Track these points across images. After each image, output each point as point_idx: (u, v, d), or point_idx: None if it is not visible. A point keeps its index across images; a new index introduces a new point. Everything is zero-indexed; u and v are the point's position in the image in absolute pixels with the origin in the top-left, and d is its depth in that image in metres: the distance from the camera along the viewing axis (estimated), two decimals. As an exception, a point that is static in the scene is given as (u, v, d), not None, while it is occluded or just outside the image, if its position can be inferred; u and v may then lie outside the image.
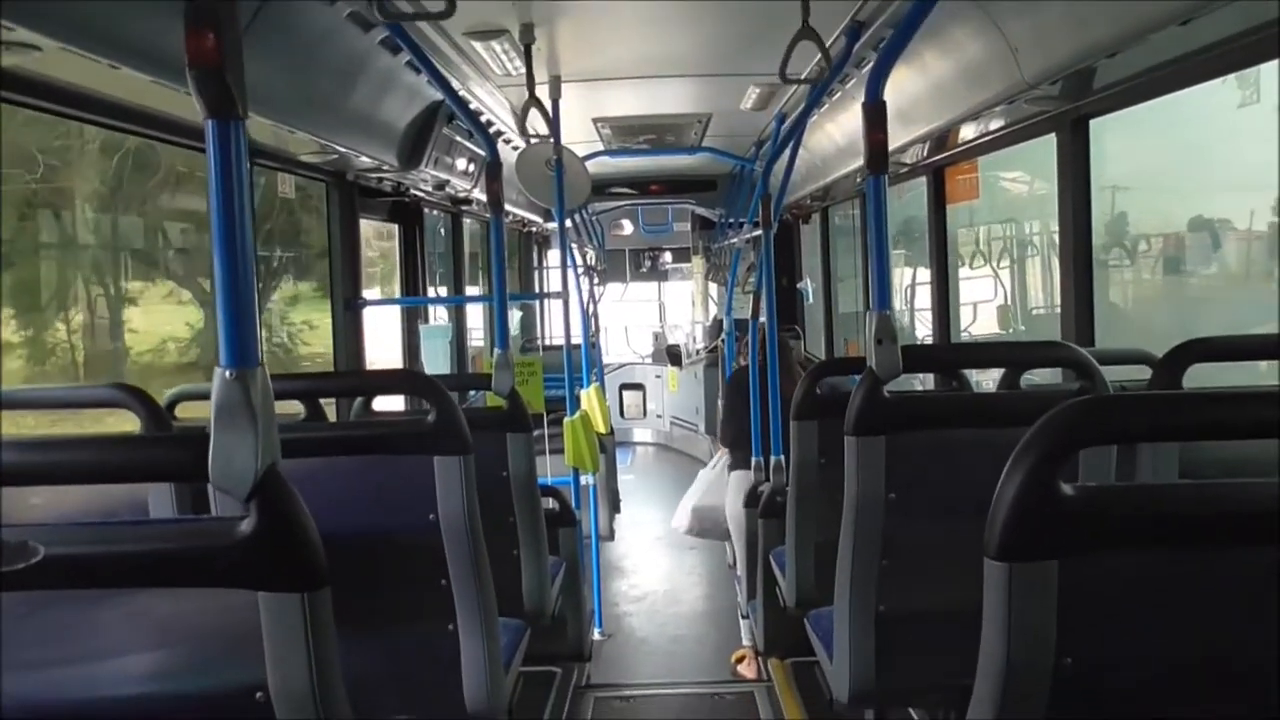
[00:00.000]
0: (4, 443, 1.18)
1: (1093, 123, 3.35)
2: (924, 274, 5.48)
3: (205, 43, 1.12)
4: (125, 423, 2.39)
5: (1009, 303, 6.21)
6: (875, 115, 2.15)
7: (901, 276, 7.74)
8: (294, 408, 2.53)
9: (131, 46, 2.11)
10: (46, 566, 1.13)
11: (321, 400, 2.64)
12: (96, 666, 1.24)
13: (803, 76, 3.29)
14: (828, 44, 3.70)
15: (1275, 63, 2.43)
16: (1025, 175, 5.74)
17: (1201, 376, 2.23)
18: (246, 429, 1.18)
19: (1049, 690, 1.13)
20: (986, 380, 4.24)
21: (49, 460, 1.24)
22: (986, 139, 4.10)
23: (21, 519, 1.50)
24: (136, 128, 2.83)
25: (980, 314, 6.25)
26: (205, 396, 3.12)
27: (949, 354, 3.51)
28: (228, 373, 1.20)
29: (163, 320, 5.32)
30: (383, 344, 5.60)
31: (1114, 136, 3.80)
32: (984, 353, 3.51)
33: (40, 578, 1.13)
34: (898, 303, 7.65)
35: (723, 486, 5.26)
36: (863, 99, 2.24)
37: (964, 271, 6.28)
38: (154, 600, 1.23)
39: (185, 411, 2.86)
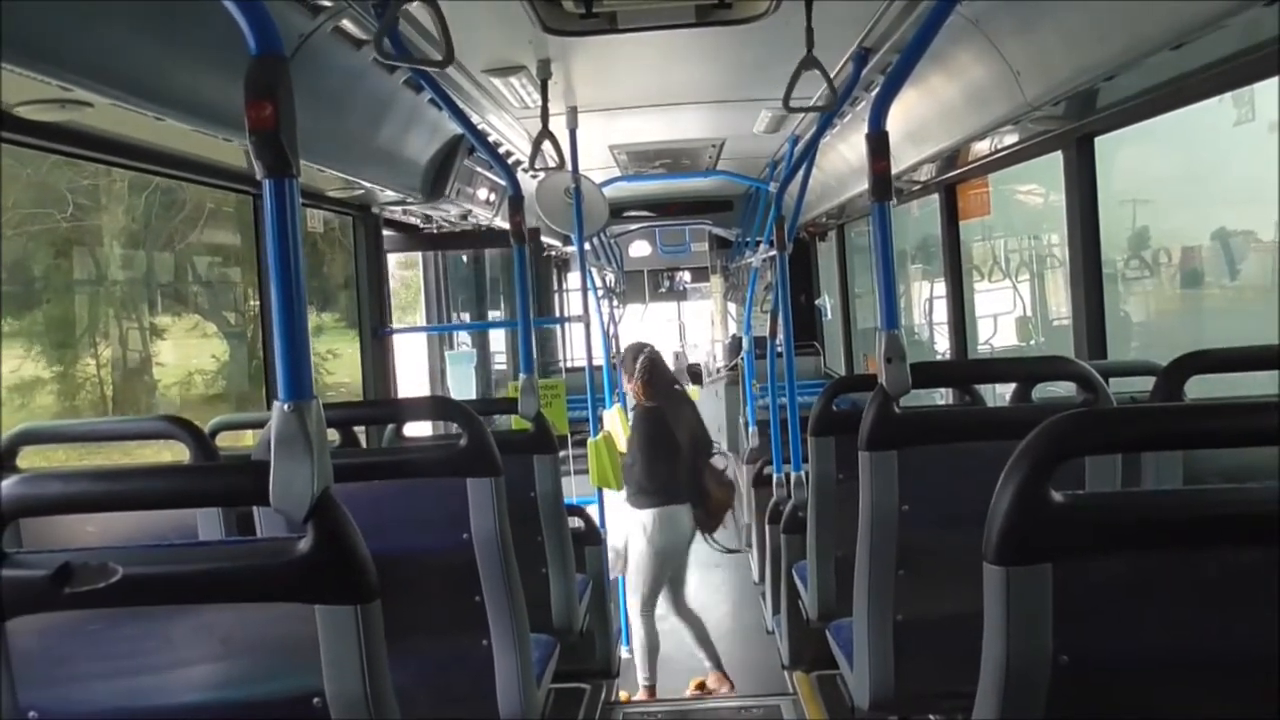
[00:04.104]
0: (91, 472, 1.29)
1: (1108, 137, 3.41)
2: (941, 288, 5.53)
3: (264, 111, 1.23)
4: (149, 453, 2.48)
5: (1030, 314, 6.23)
6: (878, 144, 2.21)
7: (920, 291, 7.78)
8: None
9: (176, 99, 2.24)
10: (125, 585, 1.23)
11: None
12: (167, 676, 1.34)
13: (810, 104, 3.35)
14: (836, 69, 3.79)
15: (1269, 82, 2.51)
16: (1040, 188, 5.78)
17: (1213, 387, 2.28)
18: (303, 457, 1.28)
19: (1047, 687, 1.20)
20: (1006, 392, 4.30)
21: (133, 487, 1.35)
22: (995, 156, 4.17)
23: (79, 543, 1.60)
24: (172, 170, 2.96)
25: (1001, 326, 6.28)
26: (242, 426, 3.22)
27: (957, 370, 3.57)
28: (286, 406, 1.30)
29: (189, 353, 5.42)
30: (408, 370, 5.69)
31: (1135, 150, 3.84)
32: (991, 368, 3.57)
33: (119, 595, 1.24)
34: (918, 316, 7.70)
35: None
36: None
37: (984, 285, 6.31)
38: (218, 615, 1.33)
39: (224, 440, 2.97)
